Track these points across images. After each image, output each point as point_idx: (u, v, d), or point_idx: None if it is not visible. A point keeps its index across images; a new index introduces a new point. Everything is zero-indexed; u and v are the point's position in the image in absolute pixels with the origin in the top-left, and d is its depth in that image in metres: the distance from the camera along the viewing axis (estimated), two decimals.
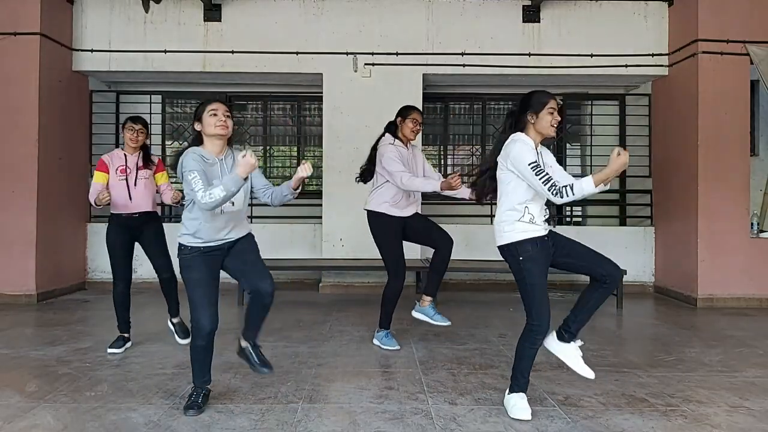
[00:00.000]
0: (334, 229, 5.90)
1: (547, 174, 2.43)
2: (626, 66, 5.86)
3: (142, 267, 6.03)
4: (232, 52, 5.84)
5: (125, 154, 3.60)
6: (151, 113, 6.40)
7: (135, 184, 3.54)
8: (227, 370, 3.15)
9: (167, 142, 6.74)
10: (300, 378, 3.04)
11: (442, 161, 6.85)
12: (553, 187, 2.39)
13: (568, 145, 6.84)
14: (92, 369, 3.17)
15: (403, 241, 3.71)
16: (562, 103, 6.67)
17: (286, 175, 7.01)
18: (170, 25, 5.88)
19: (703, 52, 5.30)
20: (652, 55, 5.87)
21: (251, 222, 6.21)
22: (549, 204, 2.58)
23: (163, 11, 5.84)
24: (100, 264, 6.09)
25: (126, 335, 3.62)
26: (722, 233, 5.29)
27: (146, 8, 5.51)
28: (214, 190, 2.38)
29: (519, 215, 2.52)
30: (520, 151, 2.47)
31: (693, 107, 5.38)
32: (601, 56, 5.83)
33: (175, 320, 3.73)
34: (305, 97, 6.72)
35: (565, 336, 2.62)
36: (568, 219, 7.19)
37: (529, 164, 2.43)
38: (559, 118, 2.58)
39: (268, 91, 6.64)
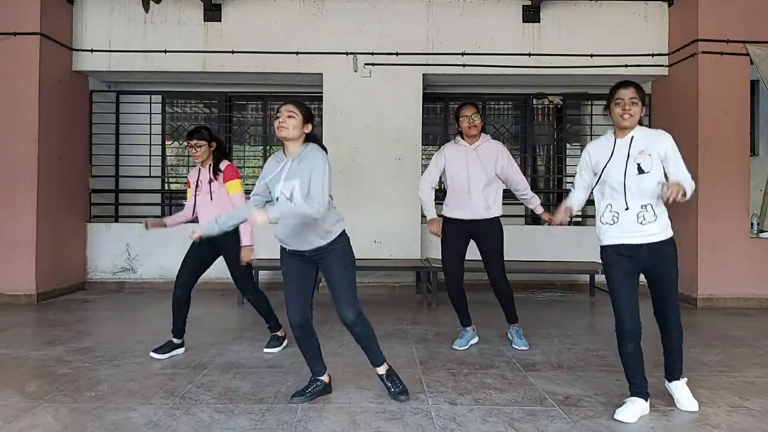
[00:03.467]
0: None
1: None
2: (626, 66, 5.86)
3: (142, 267, 6.06)
4: (232, 52, 5.84)
5: (200, 168, 3.49)
6: (151, 113, 6.41)
7: (211, 198, 3.39)
8: (227, 371, 3.15)
9: (167, 143, 6.74)
10: (300, 378, 3.03)
11: None
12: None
13: (568, 145, 6.84)
14: (92, 369, 3.16)
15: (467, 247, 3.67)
16: (562, 104, 6.67)
17: None
18: (170, 25, 5.88)
19: (703, 52, 5.29)
20: (652, 55, 5.88)
21: None
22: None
23: (163, 11, 5.84)
24: (100, 264, 6.10)
25: (177, 341, 3.48)
26: (722, 233, 5.29)
27: (146, 8, 5.51)
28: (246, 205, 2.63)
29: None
30: None
31: (693, 107, 5.38)
32: (601, 56, 5.83)
33: (277, 333, 3.66)
34: (305, 97, 6.68)
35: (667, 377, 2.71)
36: (568, 219, 7.17)
37: None
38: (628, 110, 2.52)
39: (268, 91, 6.64)
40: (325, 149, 2.68)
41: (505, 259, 3.69)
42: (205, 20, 5.88)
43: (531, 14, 5.90)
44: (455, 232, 3.61)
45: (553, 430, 2.41)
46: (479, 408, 2.63)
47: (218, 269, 3.64)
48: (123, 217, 6.36)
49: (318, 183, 2.51)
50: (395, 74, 5.87)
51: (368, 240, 5.79)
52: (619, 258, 2.52)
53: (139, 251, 6.05)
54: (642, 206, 2.47)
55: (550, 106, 6.90)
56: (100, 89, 6.39)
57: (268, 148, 6.78)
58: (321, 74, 5.92)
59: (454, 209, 3.59)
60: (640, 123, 2.59)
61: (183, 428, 2.38)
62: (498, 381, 3.02)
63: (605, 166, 2.53)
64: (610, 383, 3.01)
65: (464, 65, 5.87)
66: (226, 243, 3.34)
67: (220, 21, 5.88)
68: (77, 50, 5.85)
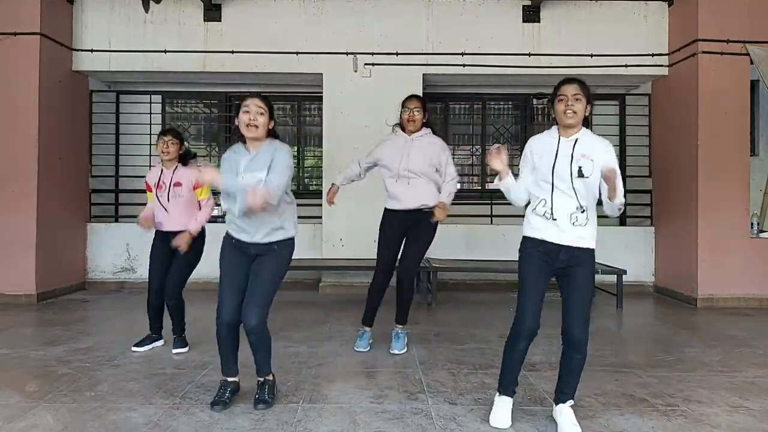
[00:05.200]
0: (334, 229, 5.90)
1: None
2: (626, 66, 5.86)
3: (142, 267, 6.05)
4: (232, 52, 5.84)
5: (162, 168, 3.49)
6: (151, 113, 6.40)
7: (168, 201, 3.39)
8: None
9: None
10: (300, 378, 3.04)
11: None
12: None
13: None
14: (92, 369, 3.16)
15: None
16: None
17: None
18: (170, 24, 5.87)
19: (703, 52, 5.29)
20: (652, 55, 5.87)
21: None
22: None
23: (163, 11, 5.84)
24: (100, 264, 6.09)
25: (154, 335, 3.62)
26: (722, 233, 5.29)
27: (146, 8, 5.51)
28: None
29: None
30: None
31: (693, 107, 5.37)
32: (601, 56, 5.83)
33: (176, 335, 3.63)
34: (305, 97, 6.72)
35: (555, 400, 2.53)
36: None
37: None
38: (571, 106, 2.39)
39: (268, 91, 6.62)
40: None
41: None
42: (205, 20, 5.87)
43: (531, 14, 5.89)
44: (389, 225, 3.54)
45: (553, 430, 2.41)
46: (479, 408, 2.62)
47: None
48: (123, 217, 6.35)
49: (280, 172, 2.50)
50: (395, 74, 5.87)
51: (368, 240, 5.77)
52: (538, 253, 2.43)
53: (139, 251, 6.04)
54: (576, 208, 2.36)
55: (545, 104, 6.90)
56: (100, 89, 6.39)
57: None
58: (321, 74, 5.91)
59: (391, 199, 3.54)
60: (587, 125, 2.49)
61: (183, 428, 2.38)
62: (498, 381, 3.01)
63: (549, 163, 2.40)
64: (609, 383, 3.01)
65: (464, 65, 5.87)
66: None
67: (220, 21, 5.88)
68: (77, 50, 5.85)
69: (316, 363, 3.33)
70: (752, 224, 5.52)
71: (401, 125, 3.60)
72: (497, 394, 2.52)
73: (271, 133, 2.64)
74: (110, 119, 6.44)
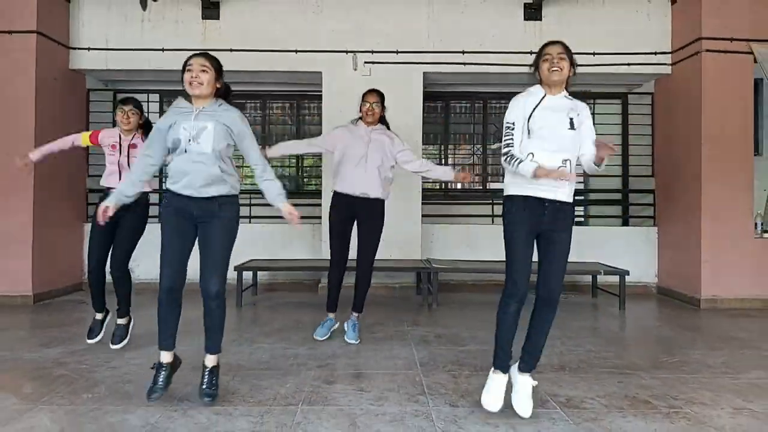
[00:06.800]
0: None
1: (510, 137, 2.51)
2: (629, 65, 5.82)
3: (140, 268, 6.01)
4: (231, 50, 5.80)
5: (120, 134, 3.57)
6: (148, 112, 6.34)
7: (128, 164, 3.48)
8: (225, 373, 3.10)
9: None
10: (299, 380, 3.00)
11: (443, 160, 6.81)
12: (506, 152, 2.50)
13: None
14: (89, 371, 3.13)
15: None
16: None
17: (285, 174, 6.97)
18: (168, 23, 5.84)
19: (707, 51, 5.26)
20: (655, 53, 5.83)
21: (249, 222, 6.20)
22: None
23: (161, 9, 5.80)
24: None
25: (99, 317, 3.64)
26: (726, 233, 5.25)
27: (144, 6, 5.47)
28: None
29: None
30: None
31: (696, 106, 5.34)
32: (604, 54, 5.79)
33: (120, 321, 3.63)
34: (304, 96, 6.68)
35: (519, 365, 2.62)
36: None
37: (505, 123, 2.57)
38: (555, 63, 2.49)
39: (267, 89, 6.60)
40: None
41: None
42: (203, 18, 5.84)
43: (532, 12, 5.85)
44: (338, 210, 3.73)
45: (555, 430, 2.38)
46: (480, 410, 2.59)
47: None
48: None
49: (255, 147, 2.67)
50: (395, 73, 5.83)
51: None
52: (523, 214, 2.48)
53: (137, 252, 5.95)
54: (563, 161, 2.44)
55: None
56: (97, 88, 6.36)
57: (266, 147, 6.71)
58: (320, 72, 5.88)
59: (348, 185, 3.69)
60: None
61: (181, 430, 2.35)
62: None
63: (542, 117, 2.48)
64: (612, 385, 2.97)
65: (465, 63, 5.83)
66: (131, 213, 3.37)
67: (218, 19, 5.84)
68: (74, 48, 5.81)
69: (315, 365, 3.30)
70: (756, 224, 5.48)
71: (361, 118, 3.79)
72: (491, 369, 2.59)
73: (220, 94, 2.69)
74: (107, 118, 6.37)
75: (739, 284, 5.27)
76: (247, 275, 5.65)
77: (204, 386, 2.65)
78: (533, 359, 2.58)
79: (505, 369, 2.57)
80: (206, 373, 2.69)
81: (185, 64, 2.62)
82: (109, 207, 2.64)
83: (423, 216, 5.99)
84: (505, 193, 2.59)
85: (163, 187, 2.72)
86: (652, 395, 2.82)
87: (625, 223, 6.50)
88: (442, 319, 4.65)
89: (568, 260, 2.58)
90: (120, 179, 3.46)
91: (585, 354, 3.58)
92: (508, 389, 2.61)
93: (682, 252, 5.65)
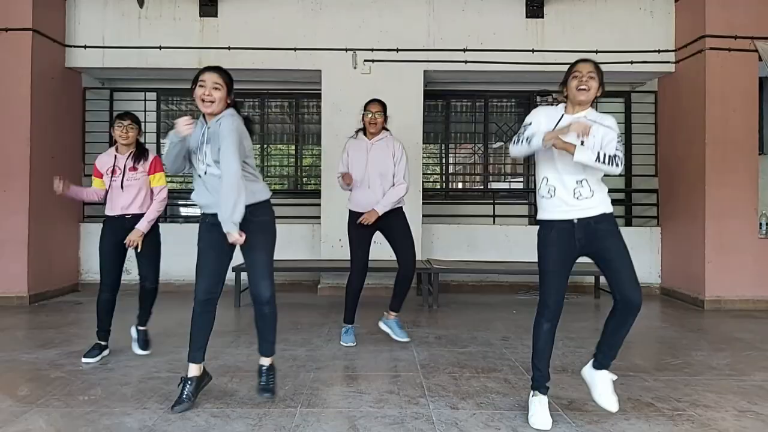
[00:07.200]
0: (333, 229, 5.80)
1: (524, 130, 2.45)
2: (632, 62, 5.77)
3: (137, 268, 5.96)
4: (229, 48, 5.75)
5: (115, 154, 3.46)
6: (145, 111, 6.33)
7: (122, 187, 3.37)
8: (224, 374, 3.07)
9: (162, 141, 6.66)
10: (298, 382, 2.97)
11: (444, 160, 6.77)
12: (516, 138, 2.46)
13: None
14: (85, 372, 3.10)
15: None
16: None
17: (284, 174, 6.93)
18: (165, 20, 5.79)
19: (711, 49, 5.21)
20: (659, 51, 5.78)
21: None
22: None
23: (158, 6, 5.76)
24: (93, 265, 6.00)
25: (103, 343, 3.44)
26: (730, 233, 5.20)
27: (140, 3, 5.45)
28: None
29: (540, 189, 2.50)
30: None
31: (700, 105, 5.29)
32: (606, 52, 5.73)
33: (140, 328, 3.56)
34: (303, 95, 6.64)
35: (594, 364, 2.56)
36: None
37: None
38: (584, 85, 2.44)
39: (266, 88, 6.56)
40: (249, 120, 2.68)
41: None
42: (200, 16, 5.79)
43: (534, 9, 5.80)
44: (357, 225, 3.65)
45: None
46: (481, 413, 2.56)
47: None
48: None
49: (225, 157, 2.42)
50: (396, 71, 5.79)
51: None
52: (551, 235, 2.44)
53: (134, 252, 5.95)
54: (577, 182, 2.40)
55: (554, 104, 6.82)
56: (93, 86, 6.31)
57: (265, 146, 6.70)
58: (320, 71, 5.83)
59: (355, 203, 3.68)
60: (594, 106, 2.54)
61: None
62: (501, 385, 2.95)
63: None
64: (615, 387, 2.92)
65: (466, 61, 5.79)
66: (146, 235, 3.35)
67: (216, 16, 5.80)
68: (70, 46, 5.76)
69: (314, 366, 3.27)
70: (761, 224, 5.45)
71: (363, 128, 3.71)
72: (531, 393, 2.51)
73: (230, 106, 2.62)
74: (104, 117, 6.35)
75: (743, 285, 5.23)
76: (247, 275, 5.60)
77: (262, 383, 2.68)
78: (608, 358, 2.51)
79: (543, 390, 2.48)
80: (263, 371, 2.70)
81: (197, 78, 2.54)
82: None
83: (423, 216, 5.95)
84: (538, 218, 2.56)
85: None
86: (655, 397, 2.79)
87: (628, 223, 6.45)
88: (443, 320, 4.61)
89: (578, 261, 2.52)
90: (121, 203, 3.37)
91: (588, 356, 3.49)
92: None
93: (685, 252, 5.60)
